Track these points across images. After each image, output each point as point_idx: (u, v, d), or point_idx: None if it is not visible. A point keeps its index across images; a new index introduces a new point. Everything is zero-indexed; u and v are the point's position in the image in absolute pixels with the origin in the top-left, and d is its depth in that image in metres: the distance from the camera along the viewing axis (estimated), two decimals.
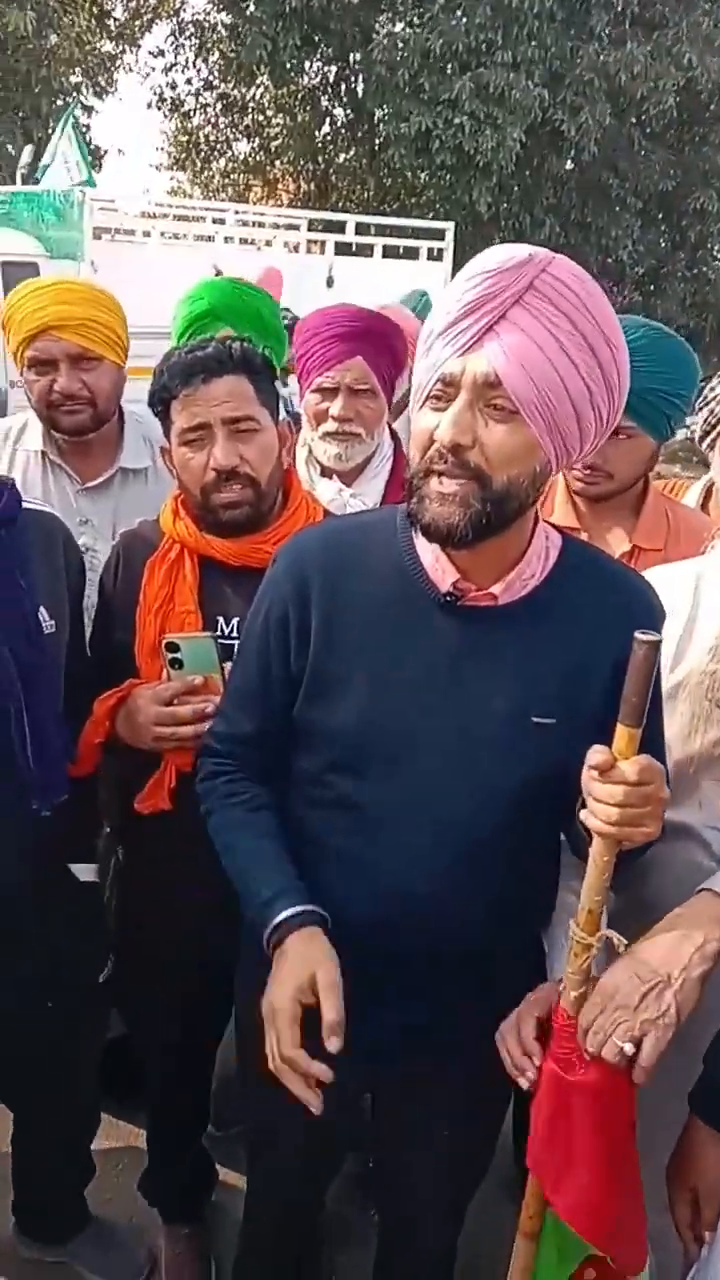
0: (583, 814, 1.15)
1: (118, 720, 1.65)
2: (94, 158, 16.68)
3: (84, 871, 1.80)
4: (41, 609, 1.57)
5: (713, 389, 2.07)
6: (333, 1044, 1.21)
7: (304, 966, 1.26)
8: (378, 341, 2.08)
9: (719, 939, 1.22)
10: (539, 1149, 1.26)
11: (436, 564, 1.26)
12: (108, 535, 2.10)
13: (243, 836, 1.39)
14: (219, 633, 1.60)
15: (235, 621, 1.59)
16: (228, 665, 1.51)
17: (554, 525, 1.38)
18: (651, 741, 1.36)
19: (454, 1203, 1.61)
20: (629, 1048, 1.15)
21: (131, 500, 2.18)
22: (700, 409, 1.95)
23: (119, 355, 2.16)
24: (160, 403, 1.62)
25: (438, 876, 1.29)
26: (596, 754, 1.12)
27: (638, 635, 1.08)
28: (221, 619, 1.62)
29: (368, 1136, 1.65)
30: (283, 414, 1.69)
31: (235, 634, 1.56)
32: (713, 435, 2.13)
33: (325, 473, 2.17)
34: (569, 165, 14.67)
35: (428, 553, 1.27)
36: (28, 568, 1.56)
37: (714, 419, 2.05)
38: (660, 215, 15.86)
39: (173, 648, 1.57)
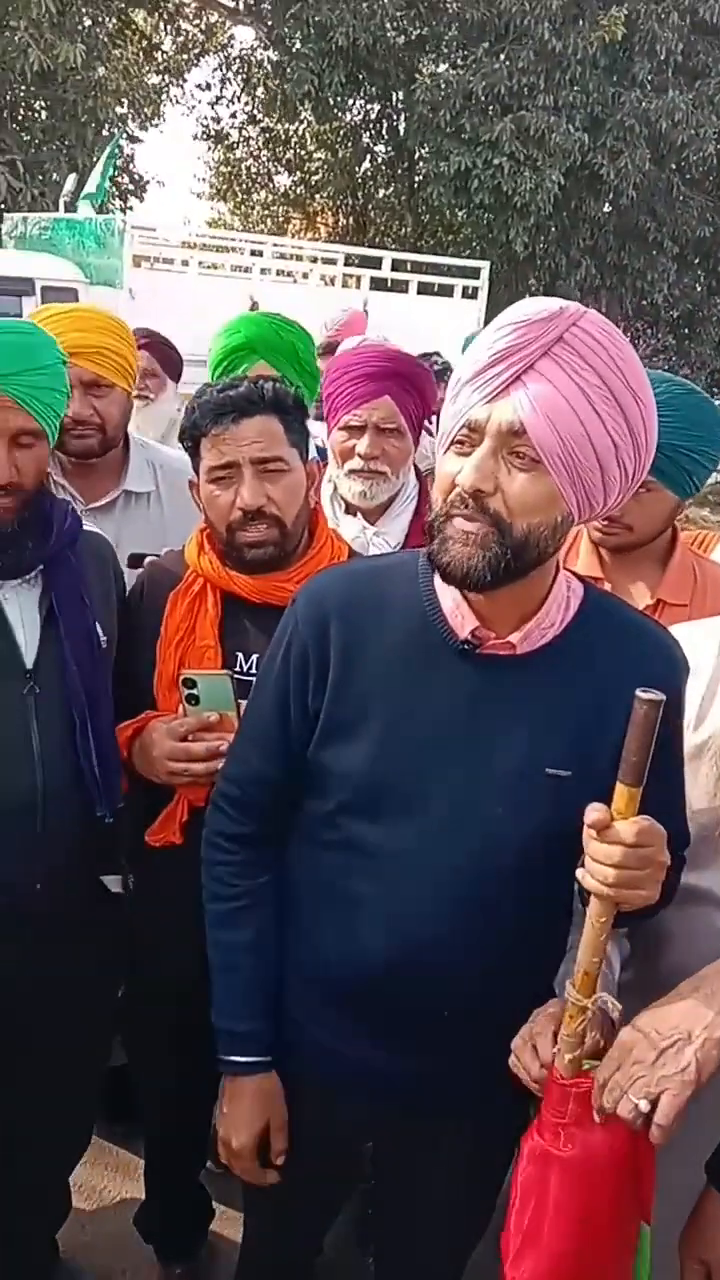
0: (579, 873, 1.14)
1: (133, 752, 1.66)
2: (135, 186, 17.00)
3: (113, 883, 1.81)
4: (98, 625, 1.63)
5: None
6: (280, 1160, 1.43)
7: (261, 1115, 1.41)
8: (405, 382, 2.10)
9: None
10: (510, 1217, 1.22)
11: (456, 610, 1.26)
12: None
13: (234, 940, 1.42)
14: (238, 669, 1.61)
15: (255, 658, 1.59)
16: (244, 703, 1.51)
17: (577, 574, 1.37)
18: (669, 804, 1.34)
19: (453, 1252, 1.59)
20: (644, 1105, 1.12)
21: (134, 523, 2.21)
22: None
23: (129, 383, 2.21)
24: (191, 439, 1.63)
25: (446, 924, 1.27)
26: (594, 812, 1.11)
27: (639, 693, 1.07)
28: (241, 655, 1.62)
29: (368, 1182, 1.63)
30: (312, 453, 1.70)
31: (254, 670, 1.56)
32: None
33: (350, 510, 2.18)
34: (607, 208, 14.77)
35: (448, 598, 1.27)
36: (88, 586, 1.62)
37: None
38: (696, 260, 15.93)
39: (189, 684, 1.57)
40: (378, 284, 10.49)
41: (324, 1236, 1.75)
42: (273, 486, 1.58)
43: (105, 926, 1.75)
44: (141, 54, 16.78)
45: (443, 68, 13.81)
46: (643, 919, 1.23)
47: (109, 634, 1.65)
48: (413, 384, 2.12)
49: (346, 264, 11.39)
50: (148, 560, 1.88)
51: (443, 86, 13.31)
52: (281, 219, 19.11)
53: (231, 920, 1.42)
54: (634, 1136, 1.15)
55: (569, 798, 1.24)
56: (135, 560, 1.99)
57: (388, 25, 13.70)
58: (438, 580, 1.26)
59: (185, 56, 17.94)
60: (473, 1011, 1.31)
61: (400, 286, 10.49)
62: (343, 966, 1.33)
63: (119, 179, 15.60)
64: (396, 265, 10.96)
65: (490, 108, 13.32)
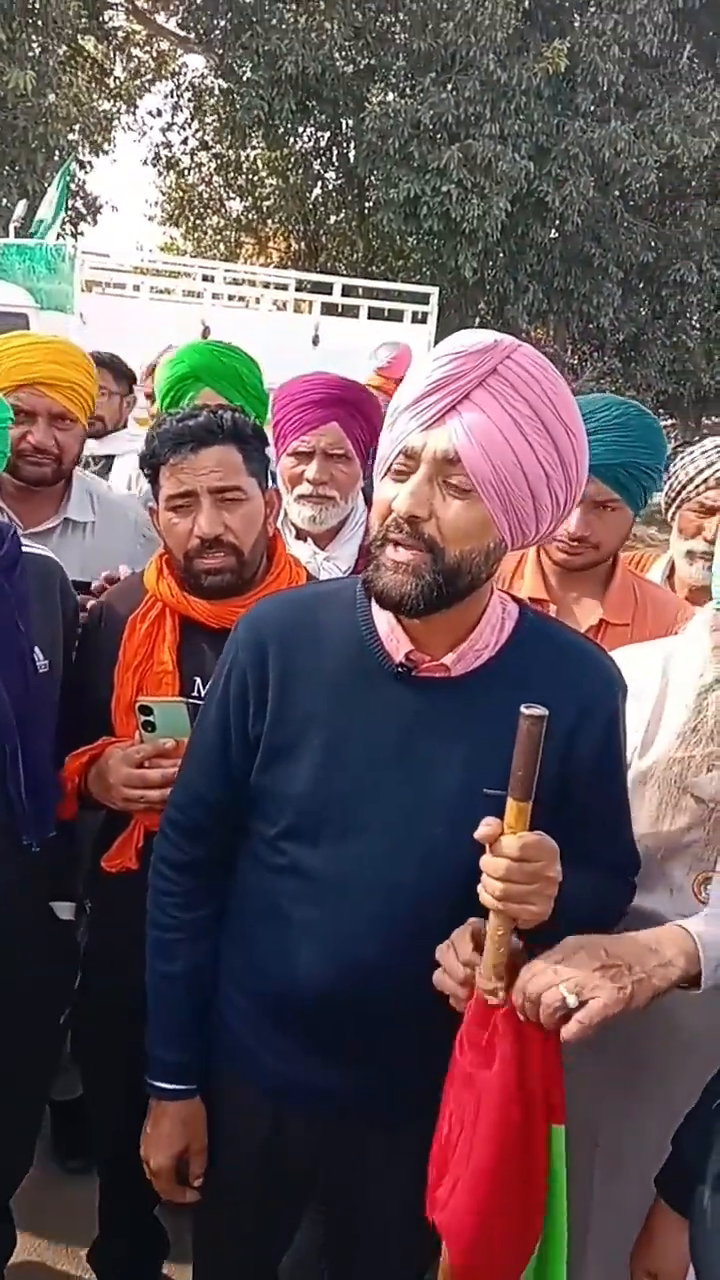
0: (479, 887, 1.17)
1: (89, 777, 1.66)
2: (88, 210, 16.97)
3: (63, 909, 1.80)
4: (36, 649, 1.62)
5: (681, 462, 2.12)
6: (198, 1181, 1.49)
7: (180, 1139, 1.46)
8: (352, 408, 2.14)
9: (682, 969, 1.22)
10: (435, 1148, 1.25)
11: (391, 634, 1.29)
12: None
13: (169, 970, 1.45)
14: (195, 694, 1.62)
15: None
16: None
17: (515, 598, 1.40)
18: (615, 827, 1.37)
19: (405, 1264, 1.59)
20: (572, 1000, 1.14)
21: (70, 551, 2.23)
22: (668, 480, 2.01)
23: (87, 418, 2.27)
24: (150, 468, 1.65)
25: (387, 944, 1.30)
26: (484, 826, 1.15)
27: (523, 709, 1.10)
28: (199, 679, 1.64)
29: (318, 1200, 1.63)
30: (271, 481, 1.72)
31: None
32: (673, 508, 2.19)
33: (300, 535, 2.20)
34: (553, 234, 15.02)
35: (383, 622, 1.29)
36: (25, 610, 1.61)
37: (673, 492, 2.11)
38: (641, 285, 16.24)
39: (146, 710, 1.58)
40: (329, 309, 10.55)
41: (279, 1259, 1.75)
42: (230, 515, 1.60)
43: (49, 953, 1.74)
44: (92, 81, 16.79)
45: (391, 97, 13.99)
46: (546, 937, 1.24)
47: (51, 657, 1.65)
48: (359, 410, 2.16)
49: (298, 289, 11.46)
50: (103, 576, 1.89)
51: (391, 115, 13.48)
52: (234, 244, 19.18)
53: (169, 951, 1.44)
54: (544, 1042, 1.17)
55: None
56: (81, 588, 2.00)
57: (336, 55, 13.88)
58: (374, 605, 1.28)
59: (136, 83, 17.99)
60: (414, 1028, 1.33)
61: (351, 311, 10.56)
62: (287, 988, 1.35)
63: (70, 203, 15.57)
64: (347, 290, 11.04)
65: (438, 136, 13.52)
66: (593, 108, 14.02)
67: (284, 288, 11.31)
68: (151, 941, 1.46)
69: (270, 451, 1.83)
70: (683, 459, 2.13)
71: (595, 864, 1.34)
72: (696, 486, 2.13)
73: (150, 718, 1.58)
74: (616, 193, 15.06)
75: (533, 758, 1.10)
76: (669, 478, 2.09)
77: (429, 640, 1.28)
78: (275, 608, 1.39)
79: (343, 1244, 1.59)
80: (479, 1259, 1.23)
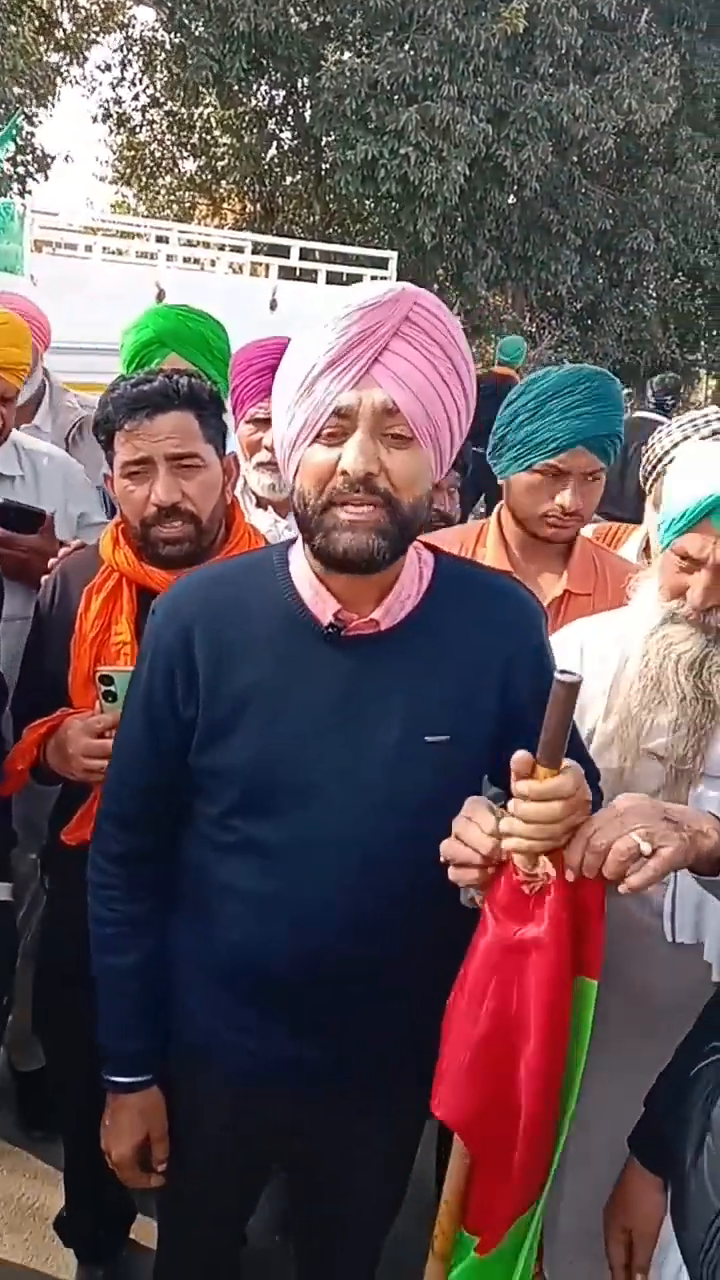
0: (511, 842, 1.16)
1: (48, 749, 1.63)
2: (39, 165, 16.52)
3: (1, 890, 1.78)
4: None
5: (657, 436, 2.13)
6: (161, 1167, 1.49)
7: (140, 1129, 1.47)
8: None
9: (715, 841, 1.20)
10: (457, 1037, 1.23)
11: (316, 597, 1.28)
12: None
13: (117, 964, 1.44)
14: None
15: None
16: None
17: (427, 544, 1.41)
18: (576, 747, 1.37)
19: (371, 1230, 1.61)
20: (646, 846, 1.13)
21: None
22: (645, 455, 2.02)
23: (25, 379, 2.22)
24: (104, 433, 1.61)
25: (347, 908, 1.30)
26: (518, 768, 1.14)
27: (557, 675, 1.09)
28: None
29: (283, 1172, 1.64)
30: (229, 448, 1.70)
31: None
32: (650, 481, 2.20)
33: (260, 504, 2.18)
34: (511, 200, 14.91)
35: (307, 587, 1.29)
36: None
37: (649, 466, 2.12)
38: (599, 253, 16.20)
39: (106, 680, 1.55)
40: (286, 272, 10.42)
41: (242, 1227, 1.76)
42: (188, 483, 1.58)
43: None
44: (39, 32, 16.28)
45: (347, 55, 13.73)
46: None
47: None
48: None
49: (255, 252, 11.27)
50: (60, 554, 1.85)
51: (347, 74, 13.24)
52: (188, 205, 18.80)
53: (115, 945, 1.43)
54: (590, 896, 1.17)
55: (451, 761, 1.29)
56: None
57: (290, 11, 13.58)
58: (295, 570, 1.28)
59: (84, 35, 17.48)
60: (381, 989, 1.34)
61: (309, 275, 10.43)
62: (251, 963, 1.34)
63: (17, 160, 15.15)
64: (305, 254, 10.89)
65: (395, 97, 13.31)
66: (551, 70, 13.88)
67: (240, 250, 11.12)
68: (96, 937, 1.44)
69: (228, 418, 1.80)
70: (659, 433, 2.14)
71: None
72: (673, 459, 2.15)
73: (111, 687, 1.56)
74: (575, 158, 14.97)
75: (565, 724, 1.10)
76: (647, 450, 2.11)
77: (355, 598, 1.28)
78: (194, 586, 1.38)
79: (309, 1211, 1.61)
80: (499, 1147, 1.22)
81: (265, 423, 2.10)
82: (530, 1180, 1.24)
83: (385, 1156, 1.52)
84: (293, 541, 1.36)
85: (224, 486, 1.66)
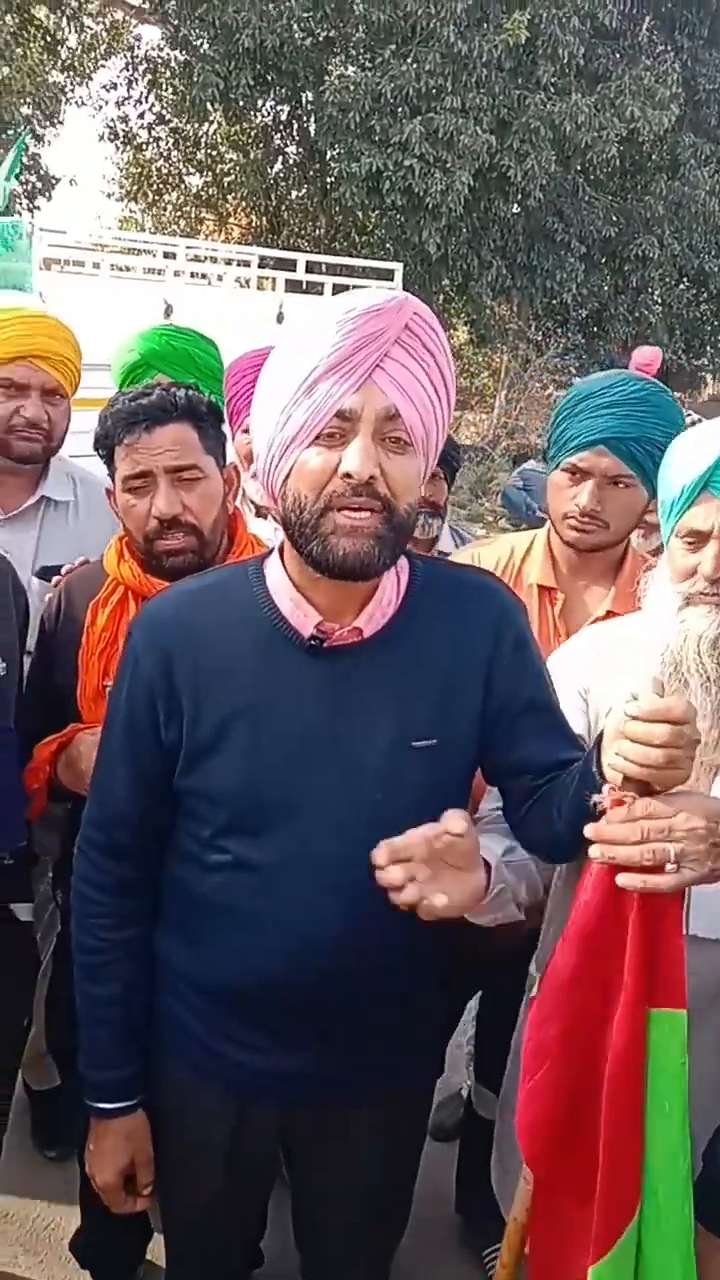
0: (619, 761, 1.14)
1: (58, 765, 1.63)
2: (44, 186, 16.65)
3: (22, 911, 1.77)
4: None
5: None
6: (147, 1191, 1.48)
7: (124, 1154, 1.45)
8: None
9: None
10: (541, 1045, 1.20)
11: (296, 610, 1.27)
12: (28, 566, 2.09)
13: (101, 994, 1.41)
14: None
15: None
16: None
17: (423, 554, 1.43)
18: (551, 726, 1.37)
19: (376, 1249, 1.60)
20: (672, 867, 1.13)
21: (54, 532, 2.19)
22: None
23: (72, 396, 2.22)
24: (104, 448, 1.61)
25: (342, 920, 1.29)
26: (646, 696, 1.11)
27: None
28: None
29: (287, 1187, 1.63)
30: (229, 458, 1.69)
31: None
32: None
33: (260, 513, 2.17)
34: (515, 209, 14.94)
35: (286, 600, 1.28)
36: None
37: None
38: (603, 260, 16.21)
39: None
40: (292, 286, 10.46)
41: (248, 1243, 1.74)
42: (188, 494, 1.58)
43: (10, 956, 1.72)
44: (45, 52, 16.43)
45: (351, 70, 13.81)
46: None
47: (7, 659, 1.60)
48: None
49: (261, 266, 11.33)
50: (63, 569, 1.84)
51: (351, 88, 13.31)
52: (194, 220, 18.91)
53: (98, 975, 1.41)
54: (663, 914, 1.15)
55: (439, 764, 1.29)
56: (46, 573, 1.95)
57: (295, 27, 13.65)
58: (272, 583, 1.28)
59: (90, 55, 17.63)
60: (375, 997, 1.33)
61: (315, 288, 10.48)
62: (246, 981, 1.33)
63: (25, 179, 15.27)
64: (311, 267, 10.95)
65: (399, 109, 13.38)
66: (553, 80, 13.92)
67: (247, 264, 11.17)
68: (79, 966, 1.42)
69: (226, 429, 1.80)
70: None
71: (556, 765, 1.34)
72: None
73: None
74: (578, 167, 15.00)
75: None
76: None
77: (337, 608, 1.28)
78: (168, 607, 1.35)
79: (311, 1222, 1.59)
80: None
81: None
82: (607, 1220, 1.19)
83: (383, 1165, 1.51)
84: (267, 554, 1.35)
85: (225, 497, 1.65)
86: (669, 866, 1.12)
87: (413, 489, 1.21)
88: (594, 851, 1.15)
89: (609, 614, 1.88)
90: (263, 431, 1.24)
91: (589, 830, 1.15)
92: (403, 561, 1.34)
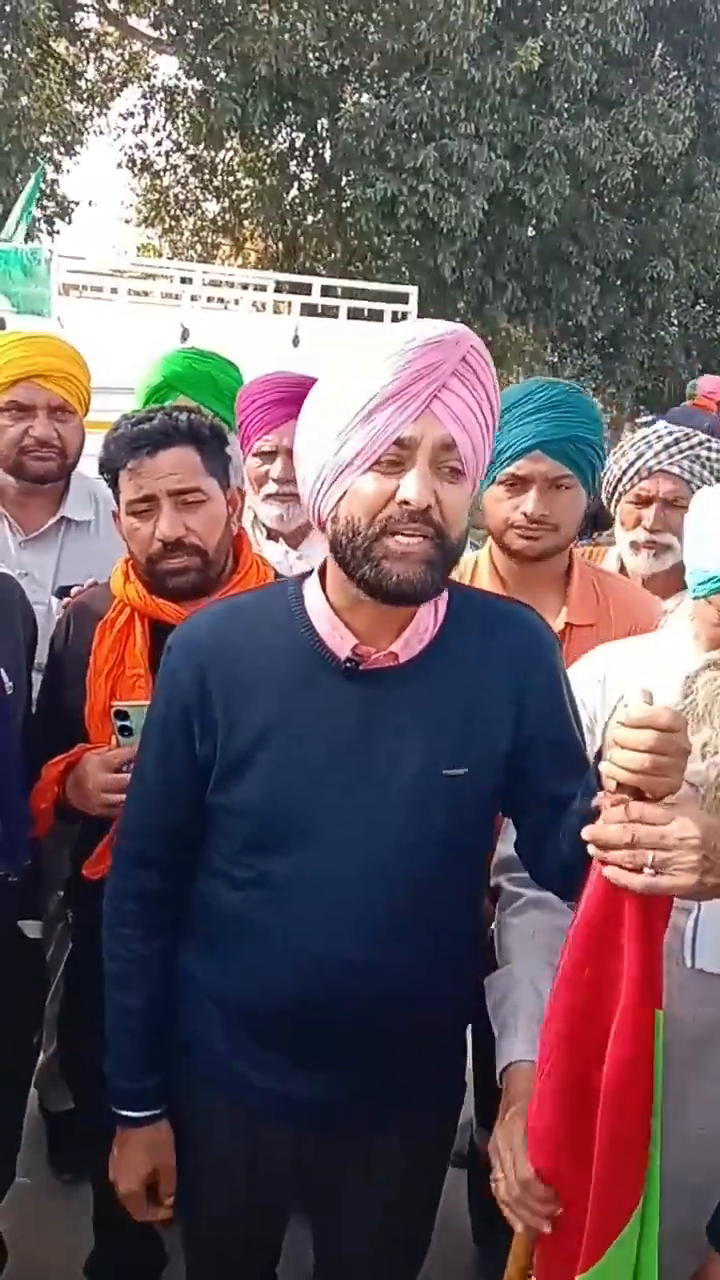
0: (609, 765, 1.14)
1: (67, 785, 1.64)
2: (62, 211, 16.88)
3: (31, 928, 1.78)
4: (2, 671, 1.58)
5: (614, 457, 2.14)
6: (169, 1200, 1.47)
7: (148, 1162, 1.45)
8: None
9: None
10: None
11: (334, 631, 1.28)
12: (49, 586, 2.10)
13: (129, 1004, 1.43)
14: None
15: None
16: None
17: (463, 584, 1.43)
18: (578, 766, 1.35)
19: (394, 1275, 1.58)
20: (649, 872, 1.13)
21: (75, 552, 2.21)
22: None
23: (84, 413, 2.21)
24: (108, 472, 1.63)
25: (364, 943, 1.29)
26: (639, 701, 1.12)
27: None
28: None
29: (306, 1213, 1.61)
30: (235, 479, 1.71)
31: None
32: (613, 502, 2.22)
33: (271, 535, 2.19)
34: (530, 233, 15.03)
35: (324, 622, 1.29)
36: None
37: (610, 488, 2.13)
38: (618, 282, 16.27)
39: (121, 715, 1.56)
40: (308, 310, 10.55)
41: (267, 1266, 1.73)
42: (191, 517, 1.58)
43: (19, 974, 1.72)
44: (64, 83, 16.70)
45: (365, 97, 13.99)
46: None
47: (15, 679, 1.61)
48: None
49: (277, 290, 11.44)
50: (73, 591, 1.86)
51: (366, 115, 13.46)
52: (211, 246, 19.12)
53: (128, 983, 1.42)
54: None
55: (468, 793, 1.28)
56: (64, 593, 1.97)
57: (310, 55, 13.84)
58: (310, 605, 1.28)
59: (108, 85, 17.90)
60: (398, 1021, 1.32)
61: (330, 312, 10.55)
62: (266, 1001, 1.33)
63: (44, 204, 15.49)
64: (326, 291, 11.03)
65: (413, 135, 13.51)
66: (567, 106, 14.05)
67: (263, 289, 11.29)
68: (110, 974, 1.44)
69: (235, 450, 1.82)
70: (614, 454, 2.15)
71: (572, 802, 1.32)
72: (630, 479, 2.19)
73: (126, 722, 1.56)
74: (592, 190, 15.10)
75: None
76: (604, 472, 2.11)
77: (373, 632, 1.28)
78: (206, 625, 1.37)
79: (330, 1251, 1.58)
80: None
81: (271, 454, 2.12)
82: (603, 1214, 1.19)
83: (401, 1193, 1.49)
84: (307, 575, 1.36)
85: (229, 518, 1.66)
86: (646, 870, 1.12)
87: (463, 517, 1.24)
88: (591, 850, 1.15)
89: (568, 626, 1.88)
90: (313, 456, 1.25)
91: (586, 831, 1.16)
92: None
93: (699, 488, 2.22)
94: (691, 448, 2.21)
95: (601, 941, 1.17)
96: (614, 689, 1.56)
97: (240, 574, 1.68)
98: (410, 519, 1.19)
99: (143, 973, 1.42)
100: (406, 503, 1.18)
